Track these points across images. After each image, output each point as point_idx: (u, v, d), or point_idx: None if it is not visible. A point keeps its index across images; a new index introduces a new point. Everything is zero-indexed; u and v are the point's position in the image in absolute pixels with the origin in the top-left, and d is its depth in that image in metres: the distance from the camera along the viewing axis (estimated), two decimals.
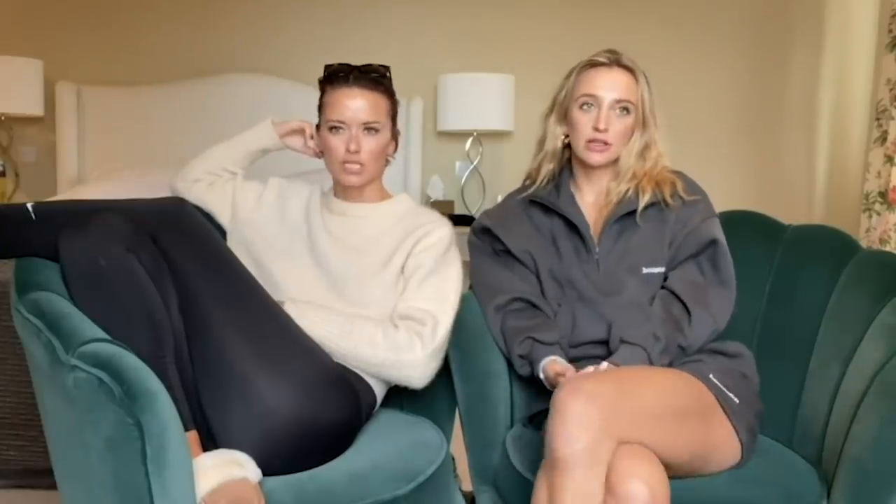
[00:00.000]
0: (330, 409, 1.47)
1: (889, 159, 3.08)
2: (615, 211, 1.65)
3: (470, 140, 3.52)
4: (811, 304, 1.67)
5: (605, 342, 1.57)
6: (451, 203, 3.50)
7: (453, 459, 1.63)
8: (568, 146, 1.70)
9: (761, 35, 3.57)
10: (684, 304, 1.57)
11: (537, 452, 1.44)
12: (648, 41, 3.31)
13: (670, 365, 1.53)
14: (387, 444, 1.53)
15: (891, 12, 3.10)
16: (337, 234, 1.72)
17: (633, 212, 1.63)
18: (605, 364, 1.48)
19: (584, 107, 1.63)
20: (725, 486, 1.40)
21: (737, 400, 1.47)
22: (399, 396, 1.72)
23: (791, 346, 1.68)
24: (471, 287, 1.75)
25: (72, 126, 3.37)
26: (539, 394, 1.61)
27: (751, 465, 1.47)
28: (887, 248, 3.05)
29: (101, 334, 1.26)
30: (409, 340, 1.57)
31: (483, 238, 1.76)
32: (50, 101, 3.37)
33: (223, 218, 1.81)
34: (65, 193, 3.14)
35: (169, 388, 1.25)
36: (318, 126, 1.73)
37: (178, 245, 1.46)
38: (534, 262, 1.68)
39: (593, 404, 1.23)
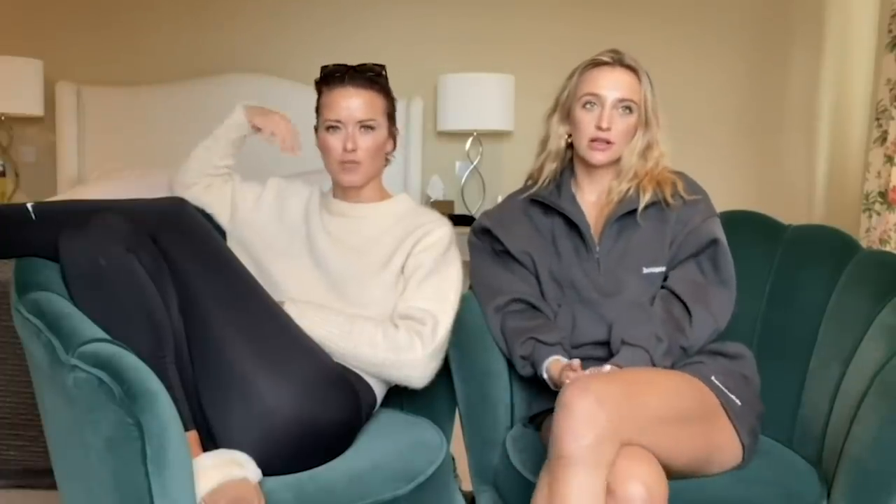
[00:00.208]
0: (330, 409, 1.47)
1: (889, 159, 3.08)
2: (616, 210, 1.65)
3: (470, 140, 3.52)
4: (811, 304, 1.67)
5: (606, 343, 1.57)
6: (451, 203, 3.50)
7: (453, 459, 1.63)
8: (570, 146, 1.70)
9: (761, 36, 3.57)
10: (685, 304, 1.57)
11: (537, 452, 1.44)
12: (648, 42, 3.30)
13: (672, 366, 1.53)
14: (387, 444, 1.53)
15: (891, 12, 3.10)
16: (336, 235, 1.71)
17: (634, 211, 1.63)
18: (608, 366, 1.47)
19: (587, 106, 1.63)
20: (726, 485, 1.40)
21: (739, 402, 1.47)
22: (399, 396, 1.72)
23: (791, 346, 1.68)
24: (471, 287, 1.75)
25: (72, 126, 3.36)
26: (539, 394, 1.61)
27: (751, 466, 1.47)
28: (887, 248, 3.04)
29: (101, 334, 1.26)
30: (409, 340, 1.57)
31: (483, 238, 1.76)
32: (50, 101, 3.37)
33: (222, 218, 1.81)
34: (65, 193, 3.14)
35: (169, 388, 1.25)
36: (316, 128, 1.73)
37: (178, 245, 1.46)
38: (533, 263, 1.68)
39: (601, 406, 1.22)
